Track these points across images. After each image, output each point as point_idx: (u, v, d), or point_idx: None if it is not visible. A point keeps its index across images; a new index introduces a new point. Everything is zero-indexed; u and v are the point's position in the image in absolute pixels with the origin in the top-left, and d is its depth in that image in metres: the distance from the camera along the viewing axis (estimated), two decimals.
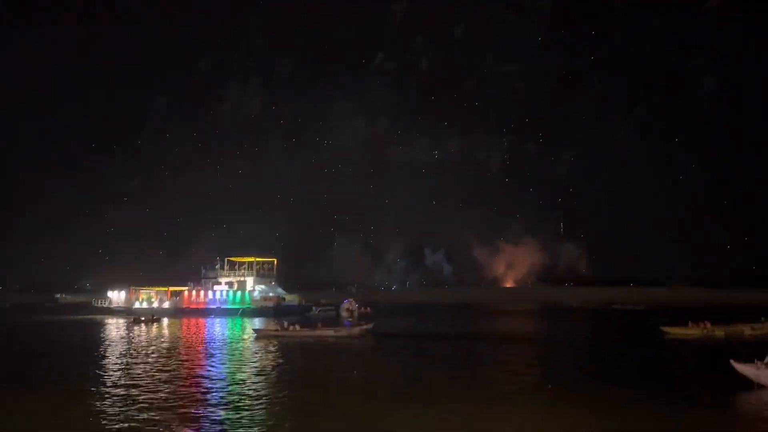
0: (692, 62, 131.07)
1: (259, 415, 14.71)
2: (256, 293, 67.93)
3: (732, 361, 18.66)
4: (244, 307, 64.97)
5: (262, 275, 71.84)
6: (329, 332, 36.28)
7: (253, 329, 38.78)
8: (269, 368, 23.16)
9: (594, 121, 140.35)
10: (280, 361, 25.80)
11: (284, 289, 72.22)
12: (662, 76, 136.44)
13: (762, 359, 18.07)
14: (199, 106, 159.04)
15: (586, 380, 19.92)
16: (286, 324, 37.45)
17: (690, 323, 35.74)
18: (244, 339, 36.31)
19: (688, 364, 25.78)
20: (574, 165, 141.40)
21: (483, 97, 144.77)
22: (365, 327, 37.92)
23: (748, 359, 18.48)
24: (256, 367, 23.30)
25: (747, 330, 35.14)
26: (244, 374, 21.43)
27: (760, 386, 17.53)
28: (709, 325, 35.31)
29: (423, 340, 35.85)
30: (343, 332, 36.36)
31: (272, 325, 39.63)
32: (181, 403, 16.07)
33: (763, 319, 36.56)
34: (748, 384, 17.71)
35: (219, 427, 13.53)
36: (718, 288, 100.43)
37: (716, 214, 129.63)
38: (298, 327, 36.62)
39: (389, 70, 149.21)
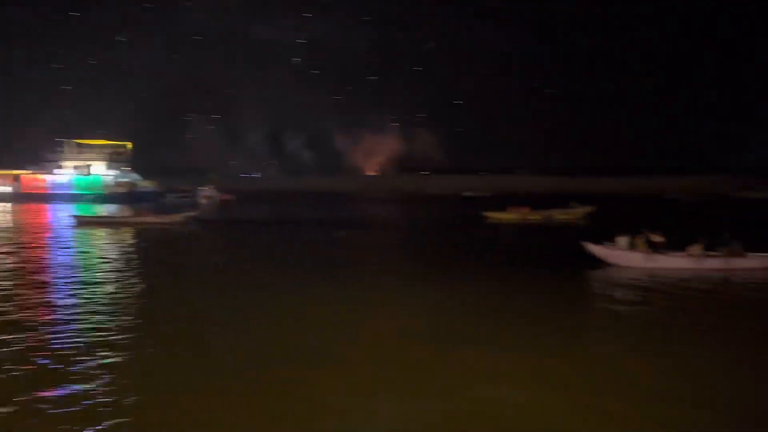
0: None
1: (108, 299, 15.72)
2: (107, 178, 65.67)
3: (584, 243, 20.42)
4: (94, 193, 62.87)
5: (114, 160, 69.09)
6: (152, 219, 36.90)
7: (73, 215, 37.84)
8: (97, 252, 23.81)
9: (457, 6, 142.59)
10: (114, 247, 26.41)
11: (139, 175, 70.24)
12: None
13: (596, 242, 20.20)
14: None
15: (430, 261, 21.61)
16: (105, 211, 37.43)
17: (508, 208, 40.20)
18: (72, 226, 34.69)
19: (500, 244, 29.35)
20: (436, 53, 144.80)
21: None
22: (189, 214, 38.50)
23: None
24: (84, 251, 23.88)
25: (557, 215, 40.08)
26: (87, 259, 22.02)
27: (609, 265, 19.45)
28: (527, 210, 39.85)
29: (263, 225, 37.37)
30: (166, 219, 37.01)
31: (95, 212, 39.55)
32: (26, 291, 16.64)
33: (571, 204, 41.63)
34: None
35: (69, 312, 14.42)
36: (565, 176, 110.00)
37: (574, 105, 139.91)
38: (117, 213, 37.09)
39: None
